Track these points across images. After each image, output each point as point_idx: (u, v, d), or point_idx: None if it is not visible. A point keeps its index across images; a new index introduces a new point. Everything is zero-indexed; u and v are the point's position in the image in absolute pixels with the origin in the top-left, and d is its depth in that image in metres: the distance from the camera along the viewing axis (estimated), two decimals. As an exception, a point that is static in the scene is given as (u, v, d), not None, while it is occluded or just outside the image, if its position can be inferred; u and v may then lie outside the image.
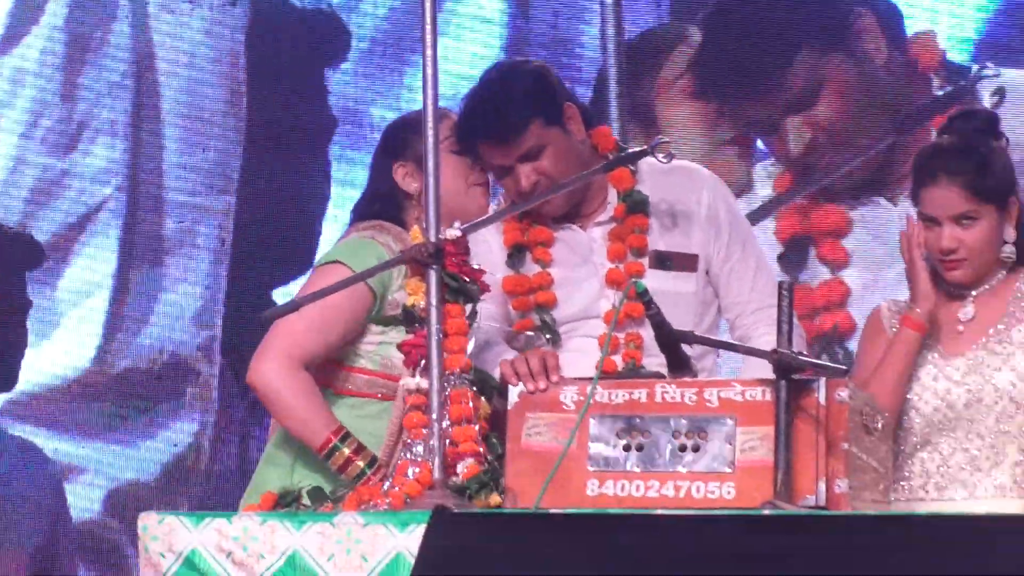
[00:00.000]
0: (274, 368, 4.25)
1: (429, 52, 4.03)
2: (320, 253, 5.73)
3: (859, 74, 8.10)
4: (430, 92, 4.02)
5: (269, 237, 8.01)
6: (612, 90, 8.11)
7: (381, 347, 4.27)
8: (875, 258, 7.82)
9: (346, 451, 4.14)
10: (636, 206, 4.50)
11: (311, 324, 4.25)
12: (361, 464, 4.13)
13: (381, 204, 4.50)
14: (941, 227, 4.23)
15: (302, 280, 5.08)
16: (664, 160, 4.38)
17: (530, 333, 4.49)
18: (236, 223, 8.12)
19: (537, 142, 4.38)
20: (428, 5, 4.08)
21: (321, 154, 8.16)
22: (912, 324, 4.31)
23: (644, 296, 4.05)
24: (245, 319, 7.77)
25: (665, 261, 4.51)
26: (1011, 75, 8.06)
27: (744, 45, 8.22)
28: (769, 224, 8.07)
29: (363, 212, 4.59)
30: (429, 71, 4.03)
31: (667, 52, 8.35)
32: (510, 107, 4.43)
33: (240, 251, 8.06)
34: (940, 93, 8.13)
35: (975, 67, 8.03)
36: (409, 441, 4.00)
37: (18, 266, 7.96)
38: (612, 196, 4.49)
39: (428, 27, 4.04)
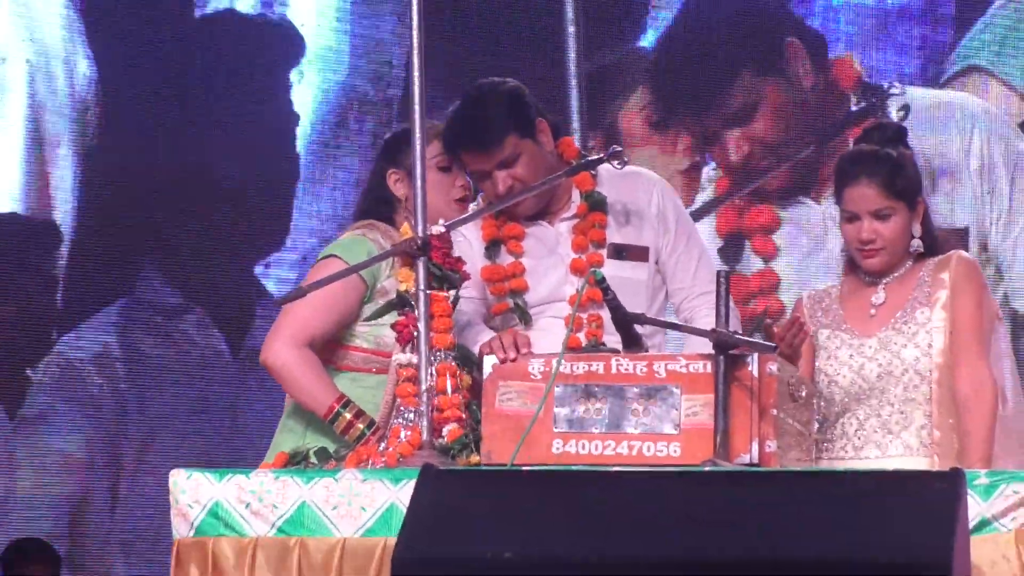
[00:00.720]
0: (282, 347, 4.23)
1: (416, 63, 3.99)
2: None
3: (789, 93, 8.11)
4: (416, 107, 4.03)
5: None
6: (574, 113, 8.14)
7: (374, 328, 4.24)
8: (801, 250, 7.92)
9: (348, 416, 4.10)
10: (596, 205, 4.48)
11: (313, 309, 4.22)
12: (361, 426, 4.10)
13: (375, 205, 4.47)
14: (861, 221, 4.21)
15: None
16: (618, 166, 4.36)
17: (506, 314, 4.47)
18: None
19: (512, 152, 4.35)
20: (416, 17, 4.07)
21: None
22: None
23: (602, 283, 4.04)
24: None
25: (621, 252, 4.50)
26: (915, 93, 8.18)
27: (693, 70, 8.28)
28: (710, 221, 8.18)
29: (360, 211, 4.56)
30: (417, 86, 3.99)
31: (631, 82, 8.39)
32: (489, 122, 4.41)
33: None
34: (856, 108, 8.21)
35: (886, 86, 8.12)
36: (401, 408, 3.99)
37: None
38: (575, 196, 4.48)
39: (416, 39, 4.01)
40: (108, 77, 8.28)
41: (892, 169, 4.28)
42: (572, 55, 8.19)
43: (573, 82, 8.14)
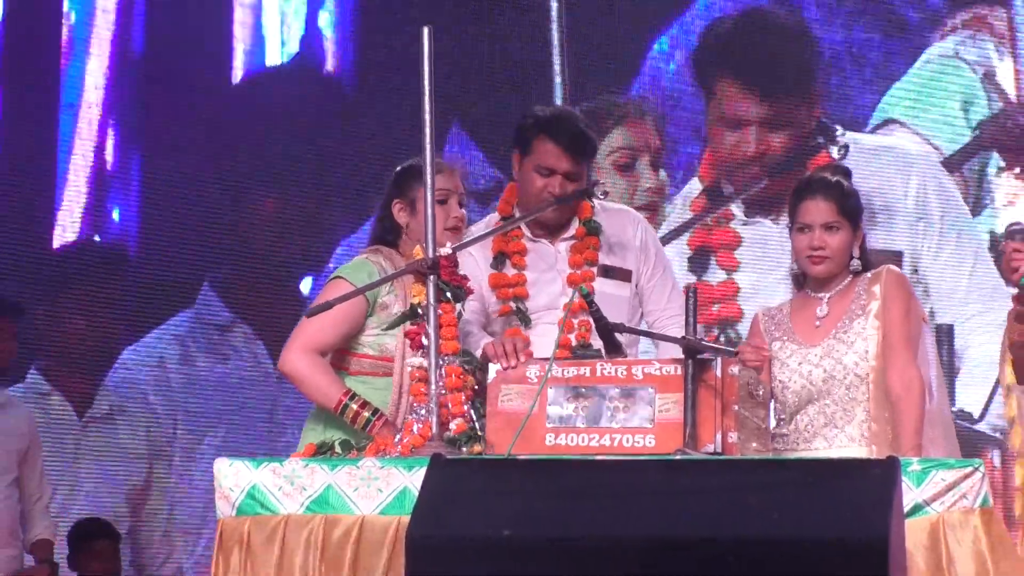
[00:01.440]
0: (295, 356, 4.25)
1: (428, 107, 3.95)
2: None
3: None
4: (427, 145, 4.00)
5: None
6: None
7: (378, 338, 4.24)
8: (760, 265, 7.98)
9: (354, 406, 4.10)
10: (592, 230, 4.49)
11: (321, 323, 4.23)
12: (367, 414, 4.10)
13: (382, 232, 4.46)
14: (813, 232, 4.22)
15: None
16: (600, 196, 4.40)
17: (509, 316, 4.47)
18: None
19: (580, 171, 4.40)
20: (426, 45, 4.03)
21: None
22: None
23: (587, 297, 4.05)
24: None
25: (609, 272, 4.49)
26: (856, 136, 8.29)
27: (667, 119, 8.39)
28: (684, 238, 8.32)
29: (371, 237, 4.55)
30: (427, 127, 3.96)
31: (610, 127, 8.35)
32: (589, 142, 4.45)
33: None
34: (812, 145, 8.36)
35: (830, 128, 8.26)
36: (414, 405, 3.99)
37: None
38: (575, 221, 4.49)
39: (426, 67, 3.97)
40: (156, 125, 8.18)
41: (842, 193, 4.30)
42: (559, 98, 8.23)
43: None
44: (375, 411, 4.12)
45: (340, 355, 4.32)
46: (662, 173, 8.46)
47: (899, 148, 8.44)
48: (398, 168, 4.49)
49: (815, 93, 8.58)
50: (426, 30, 4.13)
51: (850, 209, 4.28)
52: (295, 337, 4.33)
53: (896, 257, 7.82)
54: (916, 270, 8.31)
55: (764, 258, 8.48)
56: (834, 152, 8.28)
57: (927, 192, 8.49)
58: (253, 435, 7.98)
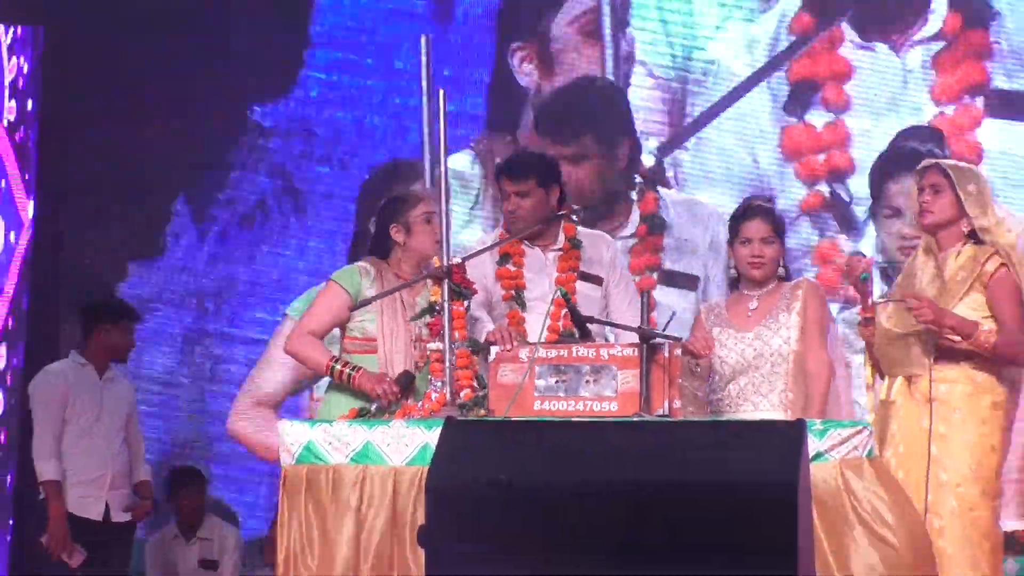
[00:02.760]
0: (291, 339, 4.25)
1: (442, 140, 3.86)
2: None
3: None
4: (442, 159, 3.94)
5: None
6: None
7: (360, 324, 4.20)
8: (875, 105, 6.01)
9: (338, 367, 4.05)
10: (575, 245, 4.44)
11: (310, 314, 4.24)
12: (348, 371, 4.08)
13: (377, 246, 4.38)
14: (753, 244, 4.21)
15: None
16: (575, 218, 4.41)
17: (511, 301, 4.46)
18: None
19: (528, 187, 4.35)
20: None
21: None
22: None
23: (566, 296, 4.07)
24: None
25: (587, 277, 4.46)
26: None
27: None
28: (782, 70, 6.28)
29: (368, 250, 4.50)
30: (443, 167, 3.92)
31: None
32: (526, 163, 4.44)
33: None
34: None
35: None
36: (431, 379, 3.95)
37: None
38: (561, 236, 4.45)
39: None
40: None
41: (775, 217, 4.32)
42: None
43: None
44: (354, 367, 4.08)
45: (343, 340, 4.29)
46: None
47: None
48: (384, 200, 4.49)
49: None
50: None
51: (779, 227, 4.30)
52: (294, 327, 4.34)
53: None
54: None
55: (879, 96, 6.07)
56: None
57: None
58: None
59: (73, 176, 7.12)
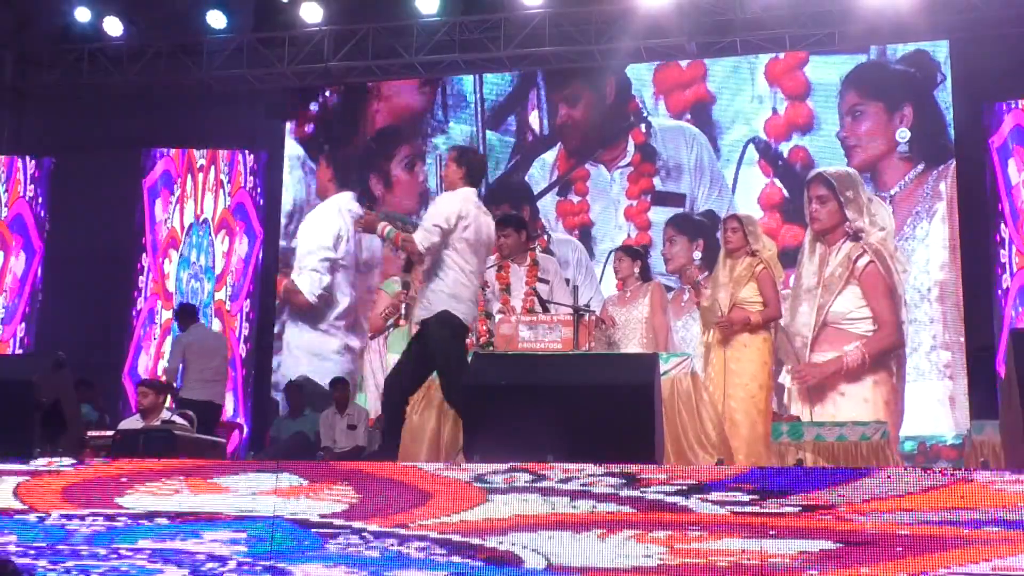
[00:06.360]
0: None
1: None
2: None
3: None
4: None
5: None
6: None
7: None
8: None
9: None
10: (535, 263, 5.53)
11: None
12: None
13: (407, 264, 5.13)
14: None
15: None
16: (537, 247, 5.59)
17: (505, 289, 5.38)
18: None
19: (508, 232, 5.36)
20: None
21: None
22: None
23: (534, 290, 5.43)
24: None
25: (542, 280, 5.46)
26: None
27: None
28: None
29: (402, 268, 5.41)
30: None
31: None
32: (508, 221, 5.44)
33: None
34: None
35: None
36: (471, 329, 4.80)
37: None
38: (528, 258, 5.53)
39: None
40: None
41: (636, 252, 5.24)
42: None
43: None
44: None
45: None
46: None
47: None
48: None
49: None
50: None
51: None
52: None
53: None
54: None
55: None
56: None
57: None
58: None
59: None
